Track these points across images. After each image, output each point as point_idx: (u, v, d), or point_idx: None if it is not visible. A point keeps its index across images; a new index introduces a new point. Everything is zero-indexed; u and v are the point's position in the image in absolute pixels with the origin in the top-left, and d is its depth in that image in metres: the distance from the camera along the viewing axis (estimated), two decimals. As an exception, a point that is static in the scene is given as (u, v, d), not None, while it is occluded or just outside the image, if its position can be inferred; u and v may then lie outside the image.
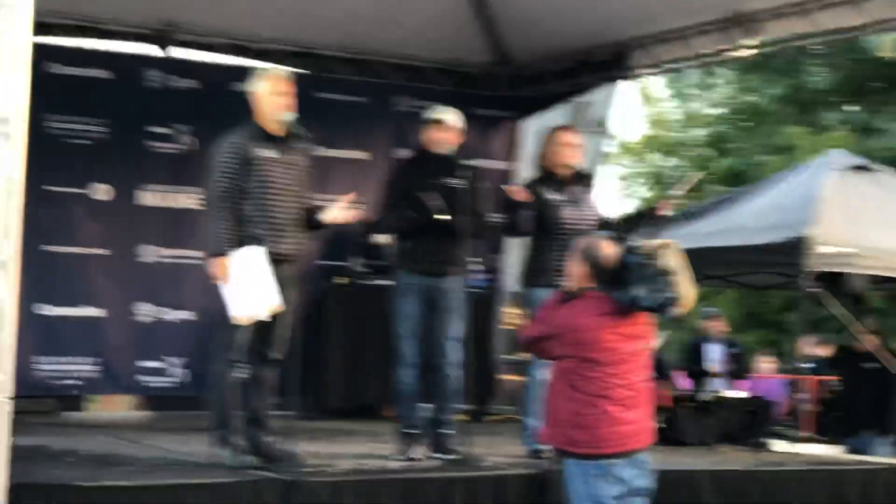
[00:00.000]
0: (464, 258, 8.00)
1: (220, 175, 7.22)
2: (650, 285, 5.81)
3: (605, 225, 8.24)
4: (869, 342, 10.99)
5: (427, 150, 8.22)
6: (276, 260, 7.26)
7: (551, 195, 8.34)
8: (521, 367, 12.61)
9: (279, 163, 7.33)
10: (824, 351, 14.29)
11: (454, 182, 8.07)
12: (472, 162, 8.19)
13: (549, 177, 8.46)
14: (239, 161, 7.21)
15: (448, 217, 7.92)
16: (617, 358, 5.87)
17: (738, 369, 13.43)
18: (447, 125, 8.14)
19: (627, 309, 5.87)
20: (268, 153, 7.30)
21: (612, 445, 5.84)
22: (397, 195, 8.13)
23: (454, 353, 8.05)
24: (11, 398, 5.80)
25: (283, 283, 7.28)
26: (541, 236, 8.31)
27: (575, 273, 6.00)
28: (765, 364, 15.43)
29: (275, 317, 7.24)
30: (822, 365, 14.02)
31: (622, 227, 8.15)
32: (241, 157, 7.21)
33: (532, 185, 8.55)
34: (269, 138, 7.35)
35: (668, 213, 8.50)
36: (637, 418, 5.91)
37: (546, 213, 8.31)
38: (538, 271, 8.25)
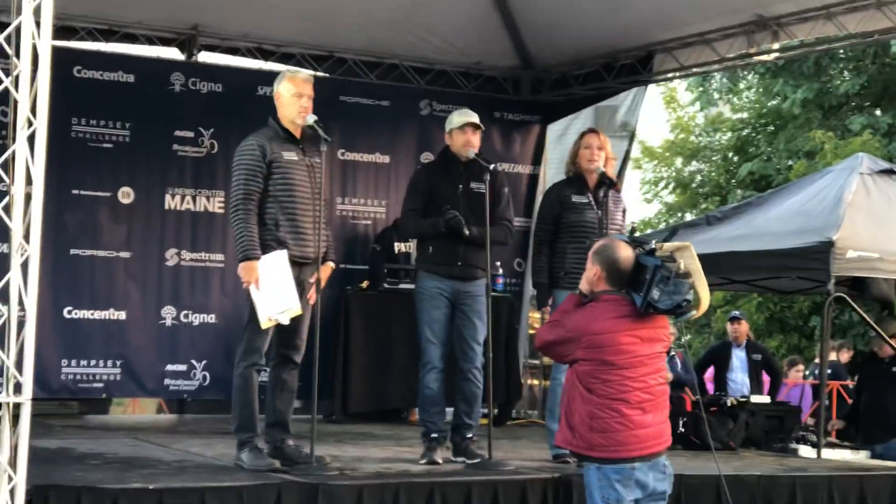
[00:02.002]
0: (486, 262, 7.99)
1: (243, 178, 7.22)
2: (667, 288, 5.79)
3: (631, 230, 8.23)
4: (892, 347, 10.93)
5: (450, 154, 8.21)
6: (299, 262, 7.27)
7: (577, 198, 8.35)
8: (544, 371, 12.65)
9: (301, 165, 7.33)
10: (844, 356, 14.26)
11: (477, 186, 8.07)
12: (496, 165, 8.16)
13: (575, 179, 8.47)
14: (261, 163, 7.21)
15: (468, 231, 7.91)
16: (634, 361, 5.85)
17: (774, 374, 13.37)
18: (469, 129, 8.13)
19: (644, 311, 5.86)
20: (290, 155, 7.30)
21: (631, 449, 5.81)
22: (420, 200, 8.13)
23: (477, 357, 8.05)
24: (32, 400, 5.81)
25: (305, 286, 7.30)
26: (565, 239, 8.31)
27: (591, 275, 5.99)
28: (792, 371, 15.35)
29: (296, 320, 7.24)
30: (841, 370, 13.99)
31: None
32: (263, 159, 7.21)
33: (556, 188, 8.57)
34: (290, 140, 7.35)
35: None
36: (655, 421, 5.89)
37: (569, 215, 8.32)
38: (560, 272, 8.25)
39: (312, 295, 7.41)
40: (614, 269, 5.91)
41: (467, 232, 7.92)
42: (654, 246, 6.00)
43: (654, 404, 5.89)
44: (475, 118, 8.17)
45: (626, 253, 5.94)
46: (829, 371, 14.10)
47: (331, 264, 7.54)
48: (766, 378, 13.32)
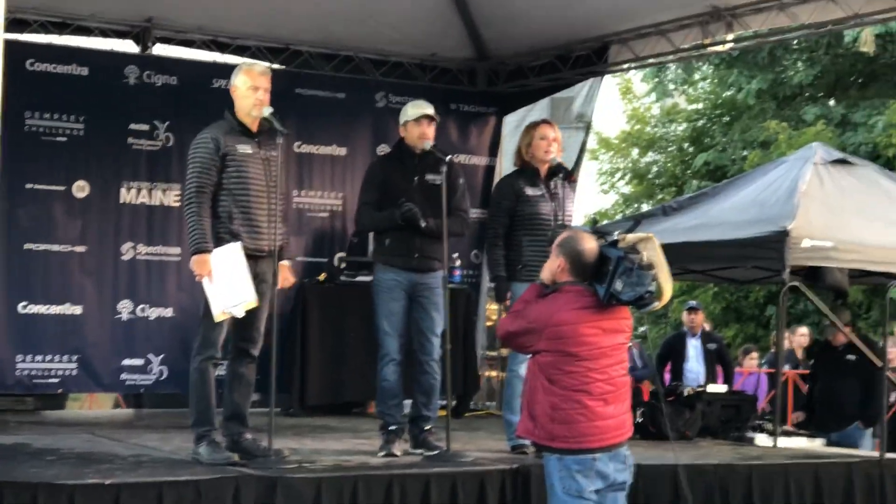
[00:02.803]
0: (443, 253, 8.00)
1: (196, 171, 7.21)
2: (630, 279, 5.81)
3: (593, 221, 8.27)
4: (844, 335, 11.01)
5: (404, 146, 8.20)
6: (254, 256, 7.25)
7: (531, 190, 8.35)
8: (502, 363, 12.68)
9: (256, 158, 7.31)
10: (798, 342, 14.35)
11: (432, 178, 8.07)
12: (451, 157, 8.14)
13: (527, 171, 8.46)
14: (215, 156, 7.19)
15: (424, 223, 7.91)
16: (597, 352, 5.87)
17: (726, 365, 13.46)
18: (425, 121, 8.12)
19: (607, 302, 5.87)
20: (244, 148, 7.28)
21: (592, 440, 5.84)
22: (376, 193, 8.11)
23: (435, 349, 8.06)
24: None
25: (260, 279, 7.28)
26: (519, 231, 8.31)
27: (555, 266, 6.00)
28: (752, 363, 15.46)
29: (252, 313, 7.22)
30: (794, 359, 14.08)
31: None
32: (217, 152, 7.19)
33: (510, 179, 8.56)
34: (245, 133, 7.33)
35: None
36: (617, 412, 5.91)
37: (524, 207, 8.31)
38: (517, 265, 8.25)
39: (288, 278, 7.43)
40: (578, 260, 5.93)
41: (424, 224, 7.93)
42: (617, 237, 6.01)
43: (616, 395, 5.92)
44: (430, 110, 8.16)
45: (590, 245, 5.96)
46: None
47: (285, 263, 7.53)
48: (719, 369, 13.41)
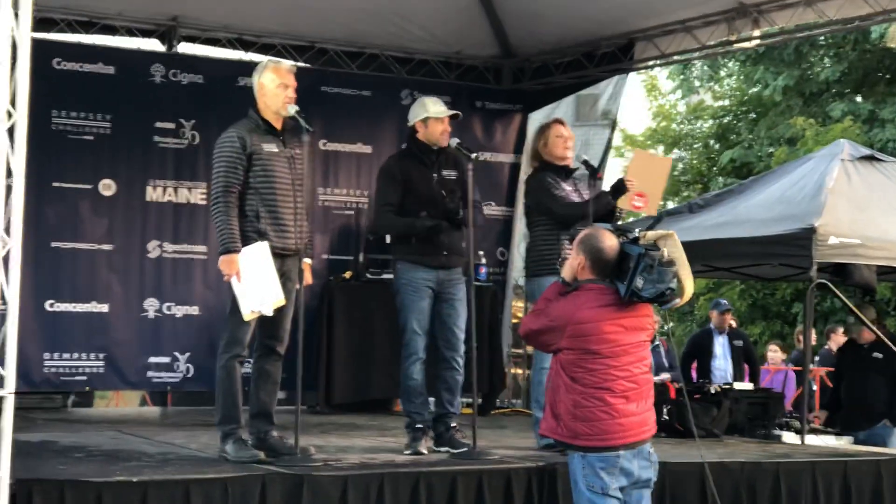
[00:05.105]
0: (465, 249, 7.98)
1: (223, 170, 7.20)
2: (650, 276, 5.79)
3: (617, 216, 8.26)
4: (871, 332, 10.95)
5: (421, 143, 8.16)
6: (281, 254, 7.26)
7: (564, 185, 8.36)
8: (528, 361, 12.67)
9: (281, 156, 7.31)
10: (835, 343, 14.28)
11: (448, 174, 8.05)
12: (477, 155, 8.09)
13: (552, 168, 8.46)
14: (242, 155, 7.19)
15: (460, 215, 7.90)
16: (618, 349, 5.86)
17: (751, 362, 13.44)
18: (441, 118, 8.10)
19: (628, 300, 5.86)
20: (270, 147, 7.28)
21: (615, 438, 5.83)
22: (397, 194, 8.04)
23: (461, 344, 8.04)
24: (14, 393, 5.79)
25: (286, 277, 7.29)
26: (547, 226, 8.30)
27: (575, 264, 5.99)
28: (774, 355, 15.44)
29: (279, 311, 7.23)
30: (831, 358, 14.02)
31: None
32: (244, 151, 7.19)
33: (542, 175, 8.50)
34: (270, 131, 7.33)
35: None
36: (639, 410, 5.90)
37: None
38: (544, 261, 8.23)
39: (308, 278, 7.45)
40: (599, 258, 5.92)
41: (460, 215, 7.88)
42: (637, 234, 6.00)
43: (638, 393, 5.91)
44: (441, 107, 8.12)
45: (610, 242, 5.95)
46: (817, 358, 14.22)
47: (307, 261, 7.53)
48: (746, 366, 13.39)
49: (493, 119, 12.75)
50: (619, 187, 8.34)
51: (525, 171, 10.38)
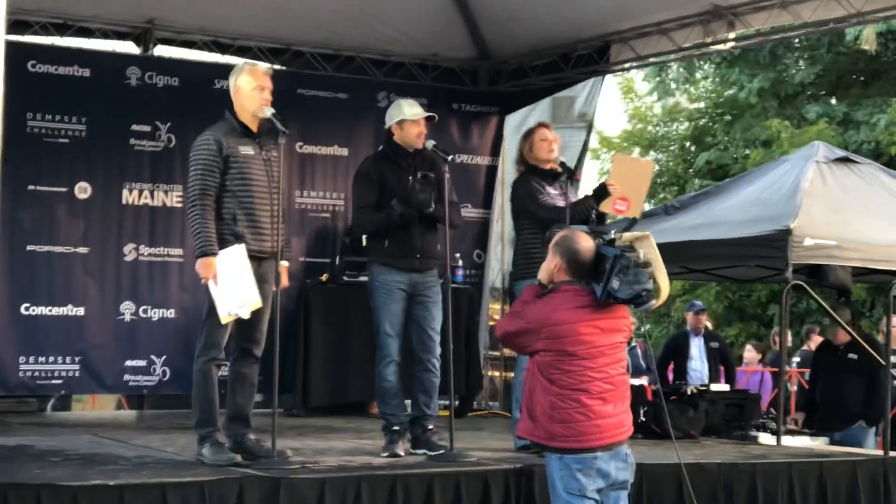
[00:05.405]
0: (441, 251, 7.99)
1: (200, 173, 7.18)
2: (626, 277, 5.81)
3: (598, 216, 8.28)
4: (846, 333, 10.99)
5: (396, 145, 8.15)
6: (258, 257, 7.25)
7: (550, 188, 8.38)
8: (505, 363, 12.68)
9: (258, 159, 7.30)
10: (815, 343, 14.33)
11: (427, 175, 8.05)
12: (453, 157, 8.10)
13: (537, 172, 8.48)
14: (218, 158, 7.17)
15: (431, 208, 7.91)
16: (594, 351, 5.87)
17: (727, 363, 13.49)
18: (416, 119, 8.10)
19: (604, 301, 5.87)
20: (246, 150, 7.26)
21: (592, 439, 5.84)
22: (374, 195, 8.05)
23: (436, 346, 8.04)
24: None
25: (263, 280, 7.28)
26: (533, 230, 8.31)
27: (551, 266, 6.00)
28: (750, 356, 15.51)
29: (256, 314, 7.22)
30: (805, 357, 14.09)
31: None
32: (220, 153, 7.18)
33: (527, 179, 8.52)
34: (247, 134, 7.31)
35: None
36: (616, 411, 5.92)
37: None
38: (531, 264, 8.22)
39: (285, 280, 7.43)
40: (575, 259, 5.93)
41: (431, 209, 7.89)
42: (613, 236, 6.02)
43: (614, 394, 5.92)
44: (416, 109, 8.12)
45: (586, 244, 5.96)
46: (797, 359, 14.26)
47: (284, 263, 7.52)
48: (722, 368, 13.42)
49: (470, 121, 12.76)
50: (602, 191, 8.37)
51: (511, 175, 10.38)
